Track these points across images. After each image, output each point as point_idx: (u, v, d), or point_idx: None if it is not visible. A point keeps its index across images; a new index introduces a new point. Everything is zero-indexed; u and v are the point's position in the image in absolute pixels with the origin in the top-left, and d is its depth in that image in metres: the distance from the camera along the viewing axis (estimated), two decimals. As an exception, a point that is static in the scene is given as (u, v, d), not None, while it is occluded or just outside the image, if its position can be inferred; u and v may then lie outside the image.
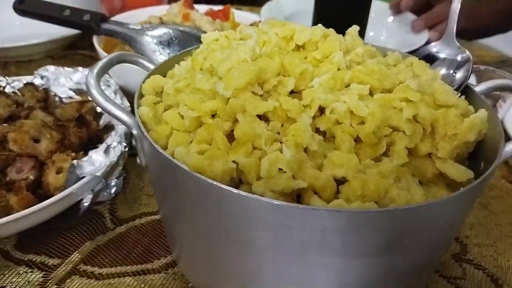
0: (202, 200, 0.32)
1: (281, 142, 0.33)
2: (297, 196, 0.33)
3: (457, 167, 0.35)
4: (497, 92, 0.63)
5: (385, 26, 1.05)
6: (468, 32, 1.13)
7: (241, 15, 0.81)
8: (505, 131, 0.68)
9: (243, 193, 0.29)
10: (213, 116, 0.36)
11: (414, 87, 0.36)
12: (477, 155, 0.40)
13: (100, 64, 0.43)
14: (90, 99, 0.65)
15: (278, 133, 0.34)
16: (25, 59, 0.91)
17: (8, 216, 0.45)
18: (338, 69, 0.39)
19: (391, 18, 1.06)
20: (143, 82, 0.43)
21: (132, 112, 0.40)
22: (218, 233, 0.34)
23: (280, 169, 0.31)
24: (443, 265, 0.48)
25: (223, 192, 0.30)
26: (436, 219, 0.31)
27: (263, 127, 0.34)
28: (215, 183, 0.30)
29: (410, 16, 1.03)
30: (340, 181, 0.32)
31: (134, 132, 0.41)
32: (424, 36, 0.95)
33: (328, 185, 0.31)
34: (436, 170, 0.35)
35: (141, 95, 0.42)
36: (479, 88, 0.46)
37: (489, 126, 0.38)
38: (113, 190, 0.54)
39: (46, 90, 0.66)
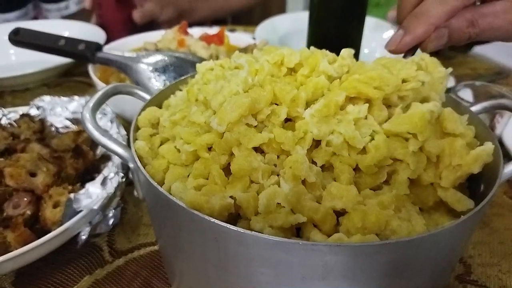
0: (200, 236, 0.32)
1: (278, 175, 0.33)
2: (297, 229, 0.33)
3: (458, 197, 0.34)
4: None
5: (380, 42, 1.06)
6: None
7: (236, 37, 0.82)
8: (503, 145, 0.68)
9: (241, 230, 0.29)
10: (209, 148, 0.36)
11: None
12: (476, 176, 0.39)
13: (95, 97, 0.43)
14: (87, 128, 0.65)
15: (275, 165, 0.34)
16: (21, 88, 0.91)
17: (6, 255, 0.44)
18: (329, 77, 0.38)
19: (386, 34, 1.07)
20: (139, 115, 0.43)
21: (128, 143, 0.40)
22: (217, 269, 0.33)
23: (278, 203, 0.31)
24: (447, 287, 0.48)
25: (221, 229, 0.29)
26: (438, 247, 0.30)
27: (260, 159, 0.33)
28: (212, 220, 0.29)
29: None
30: (340, 213, 0.32)
31: (131, 165, 0.41)
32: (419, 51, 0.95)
33: (328, 218, 0.31)
34: (437, 198, 0.35)
35: (137, 128, 0.42)
36: (475, 108, 0.45)
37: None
38: (111, 222, 0.54)
39: (42, 121, 0.66)
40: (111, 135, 0.41)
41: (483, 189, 0.38)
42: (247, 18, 1.45)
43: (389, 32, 1.06)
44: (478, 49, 1.25)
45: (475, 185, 0.38)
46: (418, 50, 0.47)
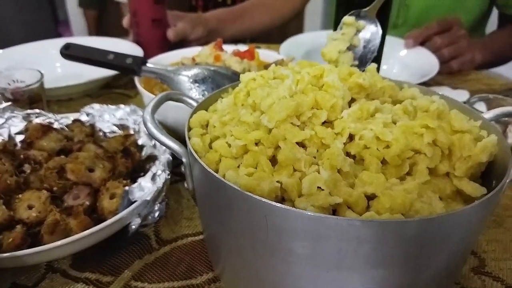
0: (251, 215, 0.38)
1: (317, 165, 0.39)
2: (333, 211, 0.38)
3: (472, 185, 0.40)
4: (506, 119, 0.68)
5: (397, 59, 1.12)
6: (485, 64, 1.20)
7: (265, 54, 0.89)
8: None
9: (288, 207, 0.35)
10: (256, 144, 0.42)
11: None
12: (489, 174, 0.45)
13: (153, 102, 0.50)
14: (132, 132, 0.72)
15: (315, 157, 0.40)
16: (65, 98, 0.99)
17: (69, 238, 0.51)
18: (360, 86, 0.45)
19: (403, 52, 1.13)
20: (191, 117, 0.49)
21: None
22: (263, 245, 0.39)
23: (318, 187, 0.37)
24: (463, 277, 0.52)
25: (271, 207, 0.35)
26: (454, 228, 0.36)
27: (302, 152, 0.39)
28: (263, 199, 0.35)
29: (420, 50, 1.10)
30: (370, 197, 0.38)
31: (184, 160, 0.47)
32: (435, 67, 1.01)
33: (360, 201, 0.37)
34: (453, 188, 0.40)
35: (189, 128, 0.49)
36: (488, 115, 0.51)
37: (499, 149, 0.43)
38: (156, 214, 0.60)
39: (93, 126, 0.73)
40: (168, 134, 0.48)
41: (495, 185, 0.43)
42: (264, 38, 1.53)
43: (404, 51, 1.13)
44: (493, 68, 1.31)
45: (488, 182, 0.44)
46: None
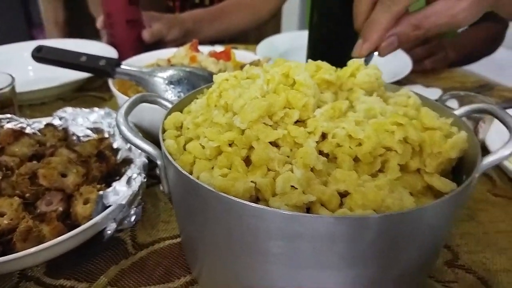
0: (227, 216, 0.38)
1: (291, 164, 0.39)
2: (307, 210, 0.38)
3: (442, 180, 0.41)
4: (477, 115, 0.70)
5: (372, 59, 1.14)
6: (458, 61, 1.23)
7: (241, 55, 0.89)
8: (486, 148, 0.75)
9: (263, 207, 0.35)
10: (229, 145, 0.42)
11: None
12: (459, 170, 0.46)
13: (126, 104, 0.49)
14: (107, 136, 0.71)
15: (288, 156, 0.40)
16: (38, 102, 0.97)
17: (42, 244, 0.49)
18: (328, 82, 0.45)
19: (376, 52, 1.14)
20: (165, 119, 0.49)
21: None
22: (240, 246, 0.39)
23: (292, 186, 0.37)
24: (437, 271, 0.54)
25: (245, 207, 0.35)
26: (425, 223, 0.37)
27: (275, 152, 0.40)
28: (238, 200, 0.35)
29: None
30: (343, 195, 0.38)
31: (159, 162, 0.47)
32: (408, 66, 1.03)
33: (333, 198, 0.37)
34: (424, 183, 0.41)
35: (164, 130, 0.48)
36: (459, 112, 0.52)
37: (469, 145, 0.44)
38: (133, 218, 0.59)
39: (66, 130, 0.72)
40: (142, 136, 0.47)
41: (465, 179, 0.44)
42: (243, 39, 1.53)
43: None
44: (466, 66, 1.34)
45: (459, 178, 0.45)
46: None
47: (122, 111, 0.48)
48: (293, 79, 0.46)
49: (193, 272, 0.53)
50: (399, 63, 1.06)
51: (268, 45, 1.16)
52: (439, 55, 1.16)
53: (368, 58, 0.55)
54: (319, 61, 0.49)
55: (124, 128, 0.46)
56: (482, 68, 1.36)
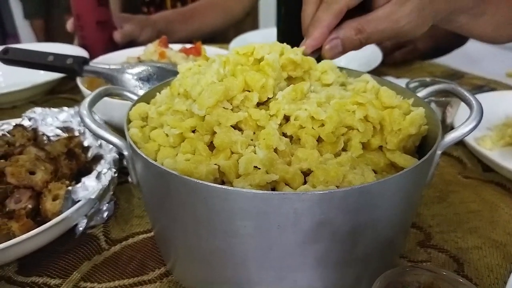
0: (191, 199, 0.37)
1: (254, 146, 0.39)
2: (272, 190, 0.39)
3: (404, 156, 0.42)
4: (443, 98, 0.72)
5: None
6: (428, 53, 1.25)
7: (212, 50, 0.89)
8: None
9: (226, 187, 0.35)
10: (193, 131, 0.42)
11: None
12: (424, 149, 0.46)
13: (90, 96, 0.49)
14: (77, 134, 0.70)
15: (252, 140, 0.40)
16: (9, 106, 0.95)
17: (11, 240, 0.48)
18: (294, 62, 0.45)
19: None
20: (130, 110, 0.49)
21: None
22: (206, 229, 0.39)
23: (255, 166, 0.37)
24: (410, 251, 0.54)
25: (209, 188, 0.35)
26: (386, 197, 0.37)
27: (238, 134, 0.40)
28: (202, 182, 0.35)
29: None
30: (306, 173, 0.38)
31: (125, 153, 0.46)
32: (378, 58, 1.05)
33: (297, 177, 0.37)
34: (387, 160, 0.42)
35: (129, 121, 0.48)
36: (421, 94, 0.53)
37: (430, 123, 0.45)
38: (105, 214, 0.59)
39: (35, 130, 0.71)
40: (107, 127, 0.47)
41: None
42: (221, 37, 1.53)
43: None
44: (437, 59, 1.37)
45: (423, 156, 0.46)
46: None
47: (86, 103, 0.47)
48: (256, 59, 0.46)
49: (167, 264, 0.53)
50: (370, 55, 1.08)
51: (242, 42, 1.16)
52: (408, 47, 1.18)
53: (312, 55, 0.55)
54: (284, 44, 0.49)
55: (87, 120, 0.46)
56: (453, 60, 1.39)
